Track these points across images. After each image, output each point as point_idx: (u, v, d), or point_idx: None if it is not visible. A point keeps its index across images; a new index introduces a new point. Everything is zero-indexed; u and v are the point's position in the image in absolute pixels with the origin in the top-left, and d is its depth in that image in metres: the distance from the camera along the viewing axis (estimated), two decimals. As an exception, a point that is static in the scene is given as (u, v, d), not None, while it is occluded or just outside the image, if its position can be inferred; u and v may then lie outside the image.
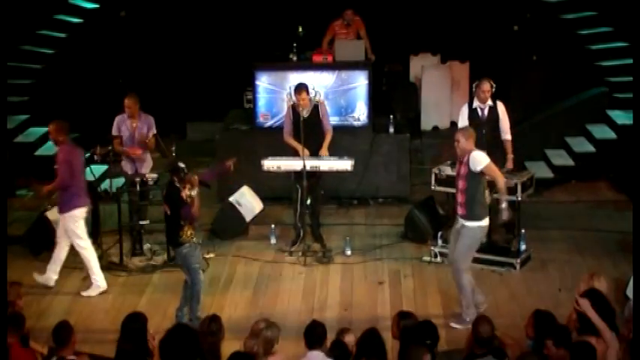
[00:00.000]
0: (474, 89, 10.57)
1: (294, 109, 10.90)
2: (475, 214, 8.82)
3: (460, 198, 8.90)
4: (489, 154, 10.31)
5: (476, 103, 10.55)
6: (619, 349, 6.58)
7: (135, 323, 6.88)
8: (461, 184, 8.91)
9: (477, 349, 6.61)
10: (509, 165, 10.45)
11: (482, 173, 8.81)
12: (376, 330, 6.66)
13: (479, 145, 10.37)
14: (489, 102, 10.51)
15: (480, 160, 8.77)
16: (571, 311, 7.22)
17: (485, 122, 10.52)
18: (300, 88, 10.84)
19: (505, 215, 8.99)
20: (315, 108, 10.95)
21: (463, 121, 10.53)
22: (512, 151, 10.54)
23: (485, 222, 8.92)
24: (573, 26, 14.63)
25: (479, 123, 10.46)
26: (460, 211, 8.92)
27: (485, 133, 10.46)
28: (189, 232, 8.78)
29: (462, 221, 8.92)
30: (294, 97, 10.95)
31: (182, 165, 8.73)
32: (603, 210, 12.16)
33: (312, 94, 11.18)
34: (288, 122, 10.97)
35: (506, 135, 10.53)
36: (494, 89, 10.45)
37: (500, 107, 10.52)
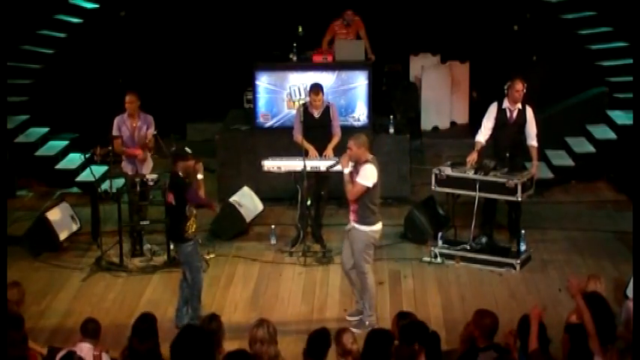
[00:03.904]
0: (505, 90, 10.50)
1: (306, 108, 10.94)
2: (366, 221, 8.79)
3: (353, 206, 8.83)
4: (511, 158, 10.38)
5: (506, 104, 10.52)
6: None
7: (144, 323, 6.89)
8: None
9: (480, 342, 6.60)
10: (534, 171, 10.47)
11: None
12: (387, 331, 6.63)
13: (502, 147, 10.54)
14: (519, 105, 10.48)
15: (363, 175, 8.69)
16: (570, 311, 7.22)
17: (512, 125, 10.53)
18: (317, 88, 10.91)
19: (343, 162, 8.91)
20: (327, 109, 11.00)
21: (489, 118, 10.56)
22: (537, 158, 10.58)
23: (377, 227, 8.86)
24: (573, 26, 14.63)
25: (506, 124, 10.52)
26: (352, 217, 8.86)
27: (510, 135, 10.49)
28: (193, 228, 8.81)
29: (353, 225, 8.86)
30: (308, 97, 11.01)
31: (188, 150, 8.81)
32: (603, 210, 12.16)
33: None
34: (297, 122, 11.00)
35: (532, 141, 10.53)
36: (524, 90, 10.45)
37: (529, 112, 10.51)
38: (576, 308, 6.66)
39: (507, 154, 10.44)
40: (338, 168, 9.10)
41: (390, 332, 6.60)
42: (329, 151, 10.89)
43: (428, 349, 6.47)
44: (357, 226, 8.84)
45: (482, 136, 10.57)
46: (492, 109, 10.59)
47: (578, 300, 6.62)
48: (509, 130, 10.54)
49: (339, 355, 6.60)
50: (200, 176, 8.79)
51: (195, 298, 8.93)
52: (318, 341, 6.53)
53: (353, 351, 6.54)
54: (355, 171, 8.79)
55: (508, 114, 10.53)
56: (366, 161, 8.75)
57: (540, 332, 6.61)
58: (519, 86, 10.41)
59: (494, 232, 10.79)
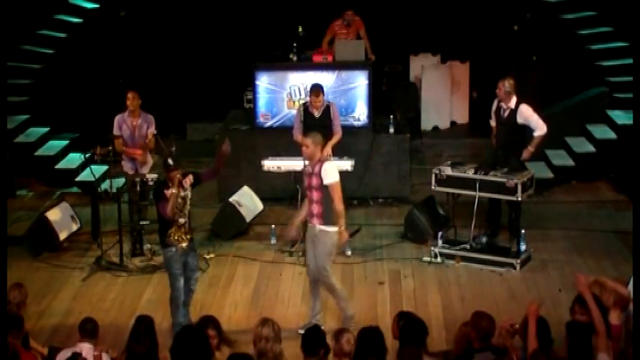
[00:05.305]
0: None
1: (306, 108, 10.97)
2: (333, 221, 8.69)
3: (316, 209, 8.68)
4: (505, 158, 10.43)
5: (501, 102, 10.67)
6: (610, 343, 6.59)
7: (140, 326, 6.89)
8: (315, 195, 8.68)
9: (476, 343, 6.61)
10: (525, 155, 10.57)
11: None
12: (376, 328, 6.65)
13: (497, 146, 10.75)
14: (511, 104, 10.55)
15: (330, 174, 8.63)
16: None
17: (504, 124, 10.65)
18: (317, 89, 10.96)
19: (341, 240, 8.87)
20: (327, 109, 11.04)
21: (492, 109, 10.83)
22: (534, 146, 10.60)
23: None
24: (573, 26, 14.63)
25: (501, 122, 10.70)
26: (316, 221, 8.70)
27: (502, 134, 10.61)
28: (176, 236, 8.63)
29: (318, 227, 8.72)
30: (308, 97, 11.04)
31: (170, 161, 8.54)
32: (603, 210, 12.16)
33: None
34: (297, 121, 11.06)
35: (534, 132, 10.58)
36: (506, 88, 10.49)
37: (522, 112, 10.51)
38: (588, 305, 6.64)
39: (500, 153, 10.54)
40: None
41: (379, 329, 6.59)
42: (328, 149, 10.89)
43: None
44: (324, 228, 8.70)
45: (493, 121, 10.89)
46: (495, 102, 10.83)
47: (587, 297, 6.60)
48: (502, 129, 10.71)
49: (335, 354, 6.60)
50: (173, 190, 8.53)
51: (174, 304, 8.75)
52: (311, 339, 6.54)
53: (351, 353, 6.54)
54: (314, 174, 8.66)
55: (501, 112, 10.69)
56: (320, 160, 8.70)
57: (544, 332, 6.61)
58: (500, 84, 10.56)
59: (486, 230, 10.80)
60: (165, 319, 9.07)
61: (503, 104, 10.63)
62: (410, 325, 6.70)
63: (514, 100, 10.55)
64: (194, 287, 8.96)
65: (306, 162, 9.06)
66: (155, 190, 8.90)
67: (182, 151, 11.63)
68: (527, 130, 10.64)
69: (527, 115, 10.52)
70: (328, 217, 8.69)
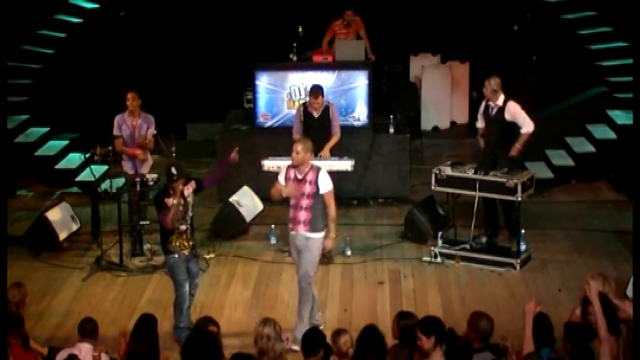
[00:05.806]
0: None
1: (306, 108, 10.98)
2: (319, 227, 8.65)
3: (304, 215, 8.58)
4: (494, 155, 10.43)
5: (489, 101, 10.70)
6: (614, 347, 6.58)
7: (142, 325, 6.89)
8: (306, 202, 8.59)
9: (475, 343, 6.60)
10: (513, 152, 10.53)
11: None
12: (375, 326, 6.64)
13: (487, 144, 10.70)
14: (499, 102, 10.56)
15: (327, 183, 8.62)
16: (574, 307, 7.20)
17: (492, 121, 10.65)
18: (317, 91, 10.97)
19: (329, 245, 8.91)
20: (326, 109, 11.05)
21: (480, 115, 10.85)
22: (521, 143, 10.54)
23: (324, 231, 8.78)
24: (573, 26, 14.63)
25: (489, 121, 10.69)
26: (303, 228, 8.61)
27: (492, 132, 10.62)
28: (177, 243, 8.57)
29: (305, 234, 8.62)
30: (308, 99, 11.05)
31: (174, 171, 8.42)
32: (603, 210, 12.16)
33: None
34: (297, 121, 11.09)
35: (522, 129, 10.54)
36: (493, 87, 10.50)
37: (510, 109, 10.50)
38: (596, 312, 6.62)
39: (489, 152, 10.57)
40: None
41: (378, 329, 6.59)
42: (325, 151, 10.91)
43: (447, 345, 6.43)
44: (312, 235, 8.63)
45: (480, 122, 10.90)
46: (483, 102, 10.85)
47: (595, 303, 6.58)
48: (492, 128, 10.72)
49: (334, 355, 6.60)
50: (174, 201, 8.42)
51: (178, 309, 8.73)
52: (311, 339, 6.55)
53: (349, 354, 6.54)
54: (307, 181, 8.58)
55: (490, 111, 10.71)
56: (312, 167, 8.65)
57: (546, 330, 6.60)
58: (486, 83, 10.60)
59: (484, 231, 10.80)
60: (165, 318, 9.07)
61: (491, 103, 10.64)
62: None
63: (502, 97, 10.56)
64: (194, 292, 8.93)
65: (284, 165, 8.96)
66: (156, 197, 8.77)
67: (182, 151, 11.64)
68: (516, 127, 10.63)
69: (516, 112, 10.53)
70: (315, 225, 8.64)
